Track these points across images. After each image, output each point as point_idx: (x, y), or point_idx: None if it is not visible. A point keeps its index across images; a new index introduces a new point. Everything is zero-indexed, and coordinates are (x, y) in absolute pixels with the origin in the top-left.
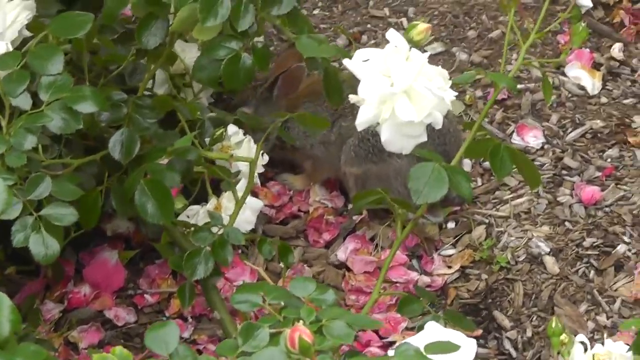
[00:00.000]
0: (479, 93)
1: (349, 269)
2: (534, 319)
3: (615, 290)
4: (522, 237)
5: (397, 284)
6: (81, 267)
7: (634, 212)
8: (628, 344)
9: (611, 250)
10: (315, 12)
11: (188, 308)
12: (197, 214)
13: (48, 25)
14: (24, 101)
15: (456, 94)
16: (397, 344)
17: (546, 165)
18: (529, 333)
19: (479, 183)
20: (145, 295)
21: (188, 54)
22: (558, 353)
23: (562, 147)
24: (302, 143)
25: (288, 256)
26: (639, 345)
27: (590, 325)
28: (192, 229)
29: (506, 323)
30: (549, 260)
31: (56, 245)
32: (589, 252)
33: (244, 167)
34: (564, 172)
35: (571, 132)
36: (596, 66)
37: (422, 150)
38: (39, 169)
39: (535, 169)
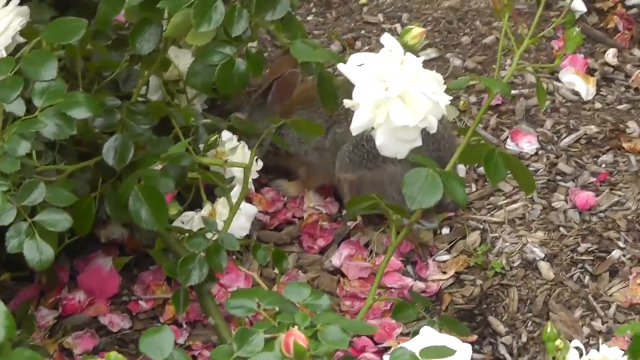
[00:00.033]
0: (473, 99)
1: (343, 275)
2: (529, 324)
3: (610, 295)
4: (516, 243)
5: (392, 290)
6: (75, 273)
7: (628, 217)
8: (623, 350)
9: (606, 255)
10: (309, 18)
11: (182, 314)
12: (191, 220)
13: (42, 31)
14: (17, 107)
15: (451, 98)
16: (392, 349)
17: (540, 170)
18: (524, 338)
19: (474, 189)
20: (139, 301)
21: (182, 60)
22: (553, 358)
23: (556, 152)
24: (296, 149)
25: (282, 262)
26: (634, 350)
27: (586, 330)
28: (187, 234)
29: (501, 328)
30: (544, 266)
31: (50, 251)
32: (584, 257)
33: (238, 173)
34: (558, 177)
35: (565, 137)
36: (590, 72)
37: (417, 155)
38: (33, 175)
39: (530, 174)
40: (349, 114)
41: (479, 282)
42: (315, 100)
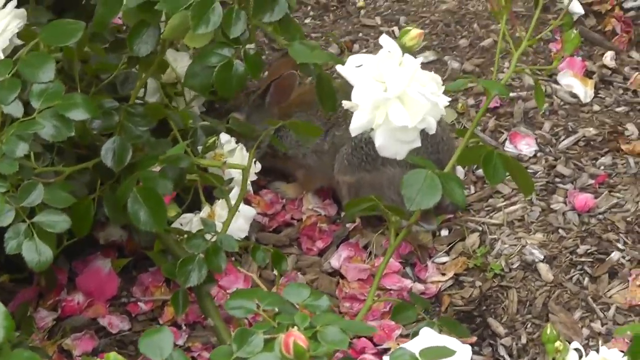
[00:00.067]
0: (471, 101)
1: (342, 277)
2: (529, 325)
3: (610, 297)
4: (515, 245)
5: (391, 292)
6: (74, 275)
7: (627, 219)
8: (623, 351)
9: (605, 257)
10: (307, 21)
11: (182, 315)
12: (190, 222)
13: (39, 34)
14: (15, 109)
15: (449, 99)
16: (391, 350)
17: (539, 173)
18: (523, 340)
19: (472, 191)
20: (138, 303)
21: (180, 62)
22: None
23: (555, 155)
24: (295, 152)
25: (281, 263)
26: (634, 352)
27: (585, 332)
28: (186, 236)
29: (500, 330)
30: (543, 268)
31: (49, 252)
32: (583, 259)
33: (236, 175)
34: (557, 179)
35: (564, 140)
36: (588, 74)
37: (415, 157)
38: (31, 177)
39: (529, 176)
40: (347, 116)
41: (478, 283)
42: (314, 103)
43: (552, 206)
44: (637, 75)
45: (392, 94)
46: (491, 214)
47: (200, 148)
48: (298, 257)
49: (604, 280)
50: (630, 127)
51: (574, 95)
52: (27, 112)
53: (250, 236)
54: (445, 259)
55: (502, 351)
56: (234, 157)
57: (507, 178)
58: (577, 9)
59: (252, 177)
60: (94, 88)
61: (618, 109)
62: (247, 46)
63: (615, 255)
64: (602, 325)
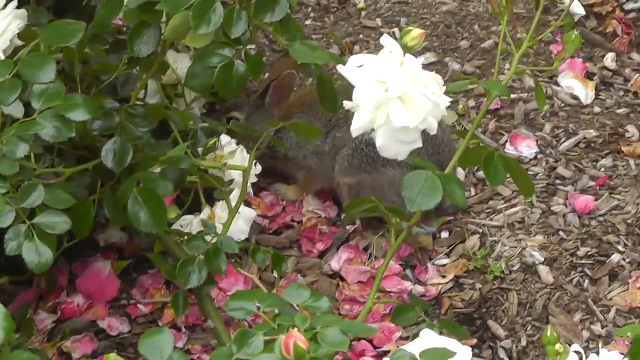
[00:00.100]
0: (471, 103)
1: (342, 279)
2: (529, 328)
3: (610, 299)
4: (516, 247)
5: (391, 294)
6: (74, 277)
7: (628, 221)
8: (623, 353)
9: (605, 259)
10: (307, 22)
11: (181, 317)
12: (190, 224)
13: (40, 34)
14: (16, 109)
15: (450, 99)
16: (392, 352)
17: (540, 174)
18: (523, 342)
19: (473, 193)
20: (138, 305)
21: (180, 64)
22: None
23: (555, 156)
24: (295, 153)
25: (281, 265)
26: (634, 353)
27: (585, 334)
28: (186, 237)
29: (500, 332)
30: (543, 270)
31: (49, 253)
32: (583, 261)
33: (237, 176)
34: (557, 181)
35: (564, 141)
36: (589, 76)
37: (416, 158)
38: (31, 178)
39: (529, 177)
40: (348, 118)
41: (478, 286)
42: (314, 104)
43: (552, 208)
44: (637, 77)
45: (393, 94)
46: (491, 216)
47: (200, 149)
48: (298, 259)
49: (604, 283)
50: (631, 129)
51: (575, 97)
52: (28, 113)
53: (251, 238)
54: (445, 261)
55: (502, 353)
56: (234, 158)
57: (508, 180)
58: (578, 9)
59: (253, 179)
60: (95, 89)
61: (619, 111)
62: (248, 46)
63: (615, 258)
64: (602, 327)
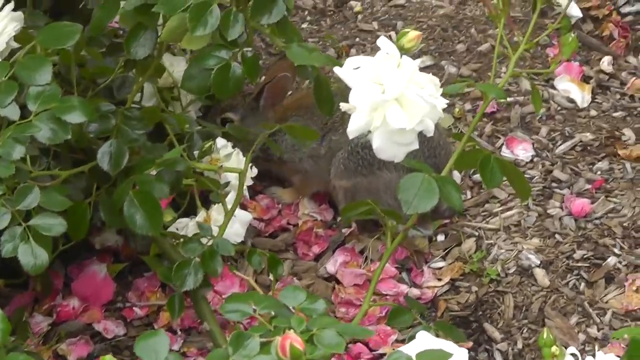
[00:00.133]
0: (468, 106)
1: (338, 282)
2: (525, 331)
3: (606, 302)
4: (512, 250)
5: (387, 297)
6: (70, 280)
7: (624, 224)
8: (619, 356)
9: (601, 262)
10: (304, 25)
11: (177, 320)
12: (186, 227)
13: (36, 36)
14: (12, 111)
15: (447, 101)
16: (388, 354)
17: (536, 178)
18: (519, 345)
19: (469, 196)
20: (134, 308)
21: (176, 67)
22: None
23: (551, 159)
24: (290, 156)
25: (277, 268)
26: (631, 356)
27: (581, 337)
28: (182, 240)
29: (497, 335)
30: (539, 273)
31: (45, 255)
32: (580, 264)
33: (233, 179)
34: (553, 184)
35: (561, 145)
36: (585, 79)
37: (412, 160)
38: (27, 180)
39: (526, 180)
40: (344, 121)
41: (474, 288)
42: (310, 107)
43: (548, 211)
44: (634, 81)
45: (390, 96)
46: (487, 219)
47: (196, 153)
48: (294, 262)
49: (601, 286)
50: (627, 132)
51: (571, 100)
52: (24, 115)
53: (246, 241)
54: (441, 264)
55: (498, 356)
56: (230, 161)
57: (504, 183)
58: (575, 12)
59: (248, 182)
60: (91, 92)
61: (615, 114)
62: (245, 49)
63: (611, 261)
64: (599, 330)
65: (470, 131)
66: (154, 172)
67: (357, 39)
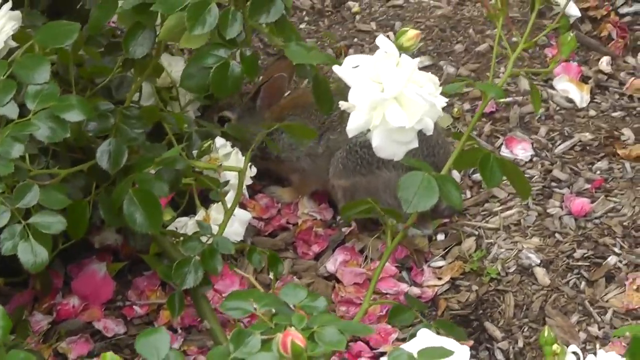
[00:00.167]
0: (466, 106)
1: (338, 281)
2: (525, 329)
3: (607, 301)
4: (512, 249)
5: (387, 295)
6: (69, 279)
7: (624, 223)
8: (620, 355)
9: (602, 261)
10: (302, 26)
11: (177, 319)
12: (185, 226)
13: (34, 35)
14: (10, 110)
15: (447, 100)
16: (389, 351)
17: (535, 177)
18: (520, 344)
19: (468, 195)
20: (134, 306)
21: (174, 67)
22: None
23: (551, 159)
24: (288, 155)
25: (277, 266)
26: (633, 353)
27: (582, 336)
28: (182, 238)
29: (497, 334)
30: (540, 272)
31: (45, 253)
32: (580, 263)
33: (232, 178)
34: (553, 184)
35: (560, 144)
36: (584, 79)
37: (412, 159)
38: (26, 179)
39: (526, 179)
40: (342, 119)
41: (474, 287)
42: (307, 106)
43: (548, 210)
44: (632, 81)
45: (389, 95)
46: (487, 218)
47: (195, 152)
48: (294, 261)
49: (601, 285)
50: (627, 132)
51: (570, 100)
52: (23, 114)
53: (246, 240)
54: (441, 263)
55: (499, 355)
56: (229, 161)
57: (503, 182)
58: (574, 11)
59: (248, 181)
60: (89, 92)
61: (614, 114)
62: (243, 48)
63: (612, 260)
64: (599, 329)
65: (469, 130)
66: (152, 172)
67: (355, 39)
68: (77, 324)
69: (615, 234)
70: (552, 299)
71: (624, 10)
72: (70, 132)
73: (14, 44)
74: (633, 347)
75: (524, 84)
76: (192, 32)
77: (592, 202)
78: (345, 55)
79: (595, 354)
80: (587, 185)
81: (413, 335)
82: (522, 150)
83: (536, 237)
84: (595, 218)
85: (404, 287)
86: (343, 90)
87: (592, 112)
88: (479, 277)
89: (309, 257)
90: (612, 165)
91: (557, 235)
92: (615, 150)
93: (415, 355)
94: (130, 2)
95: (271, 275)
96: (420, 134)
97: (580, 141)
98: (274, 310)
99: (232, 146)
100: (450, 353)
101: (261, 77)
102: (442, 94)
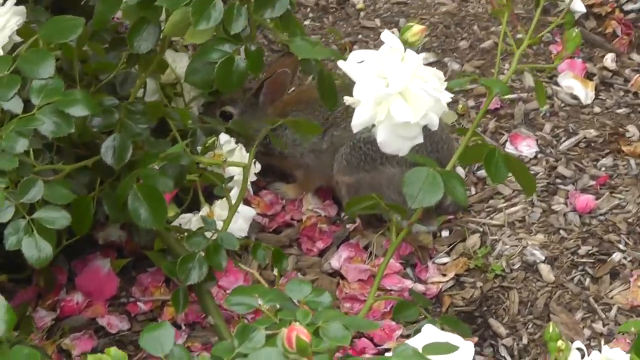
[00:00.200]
0: (471, 103)
1: (343, 277)
2: (530, 326)
3: (611, 297)
4: (516, 245)
5: (392, 292)
6: (73, 275)
7: (628, 220)
8: (624, 351)
9: (606, 258)
10: (306, 22)
11: (181, 315)
12: (189, 222)
13: (39, 30)
14: (15, 105)
15: (452, 95)
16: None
17: (540, 174)
18: (524, 340)
19: (473, 192)
20: (138, 303)
21: (179, 63)
22: (555, 359)
23: (555, 156)
24: (292, 151)
25: (282, 262)
26: (638, 349)
27: (587, 332)
28: (186, 234)
29: (502, 330)
30: (544, 268)
31: (49, 248)
32: (585, 260)
33: (236, 175)
34: (558, 180)
35: (565, 141)
36: (589, 76)
37: (416, 155)
38: (30, 174)
39: (531, 175)
40: (347, 115)
41: (479, 284)
42: (311, 102)
43: (553, 207)
44: (637, 77)
45: (394, 90)
46: (492, 215)
47: (199, 148)
48: (298, 258)
49: (606, 281)
50: (631, 129)
51: (575, 97)
52: (27, 109)
53: (250, 237)
54: (446, 259)
55: (503, 351)
56: (233, 157)
57: (508, 179)
58: (579, 7)
59: (252, 177)
60: (94, 88)
61: (619, 111)
62: (248, 43)
63: (616, 256)
64: (604, 325)
65: (474, 126)
66: (157, 167)
67: (360, 36)
68: (80, 320)
69: (620, 230)
70: (557, 295)
71: (629, 7)
72: (74, 128)
73: (18, 39)
74: (638, 344)
75: (529, 80)
76: (197, 27)
77: (597, 198)
78: (350, 52)
79: (599, 350)
80: (592, 182)
81: (417, 332)
82: (526, 147)
83: (541, 233)
84: (600, 215)
85: (408, 283)
86: (348, 87)
87: (596, 109)
88: (484, 273)
89: (313, 254)
90: (617, 162)
91: (561, 231)
92: (620, 146)
93: (420, 351)
94: None
95: (275, 272)
96: (424, 129)
97: (585, 138)
98: (278, 306)
99: (236, 142)
100: (455, 348)
101: (264, 74)
102: (447, 90)
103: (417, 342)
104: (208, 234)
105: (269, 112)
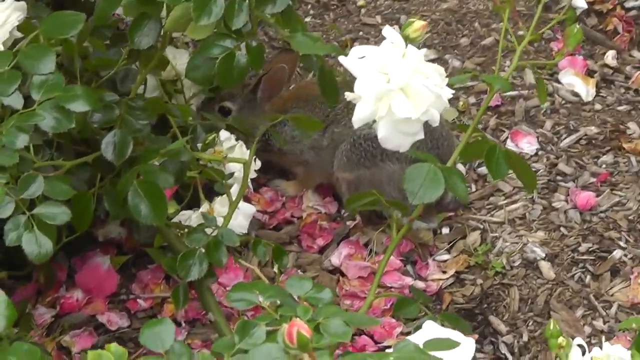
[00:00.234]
0: (472, 100)
1: (343, 274)
2: (530, 323)
3: (612, 295)
4: (517, 243)
5: (392, 289)
6: (73, 272)
7: (629, 217)
8: (625, 348)
9: (607, 255)
10: (307, 19)
11: (181, 312)
12: (189, 219)
13: (39, 26)
14: (15, 100)
15: (453, 91)
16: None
17: (541, 171)
18: (525, 338)
19: (474, 189)
20: (138, 300)
21: (179, 59)
22: (556, 356)
23: (556, 153)
24: (291, 148)
25: (282, 259)
26: (638, 346)
27: (587, 330)
28: (186, 230)
29: (502, 328)
30: (545, 266)
31: (49, 244)
32: (585, 257)
33: (236, 171)
34: (558, 177)
35: (565, 138)
36: (590, 73)
37: (417, 151)
38: (31, 170)
39: (532, 171)
40: (347, 111)
41: (479, 281)
42: (310, 99)
43: (553, 204)
44: (638, 75)
45: (395, 86)
46: (492, 212)
47: (199, 145)
48: (298, 255)
49: (606, 278)
50: (632, 126)
51: (576, 94)
52: (28, 105)
53: (250, 234)
54: (446, 256)
55: (503, 349)
56: (233, 154)
57: (508, 176)
58: (580, 3)
59: (252, 174)
60: (94, 84)
61: (620, 108)
62: (249, 39)
63: (617, 254)
64: (604, 323)
65: (475, 122)
66: (157, 163)
67: (361, 33)
68: (80, 317)
69: (621, 227)
70: (557, 292)
71: (630, 4)
72: (75, 123)
73: (19, 34)
74: (638, 341)
75: (530, 77)
76: (198, 22)
77: (598, 195)
78: (351, 48)
79: (601, 347)
80: (593, 179)
81: (418, 328)
82: (527, 144)
83: (541, 230)
84: (601, 212)
85: (408, 280)
86: (349, 83)
87: (597, 106)
88: (484, 270)
89: (313, 251)
90: (618, 159)
91: (562, 229)
92: (621, 144)
93: (421, 347)
94: None
95: (275, 268)
96: (425, 126)
97: (585, 135)
98: (278, 302)
99: (236, 139)
100: (456, 345)
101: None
102: (448, 86)
103: (417, 338)
104: (208, 231)
105: (266, 108)
